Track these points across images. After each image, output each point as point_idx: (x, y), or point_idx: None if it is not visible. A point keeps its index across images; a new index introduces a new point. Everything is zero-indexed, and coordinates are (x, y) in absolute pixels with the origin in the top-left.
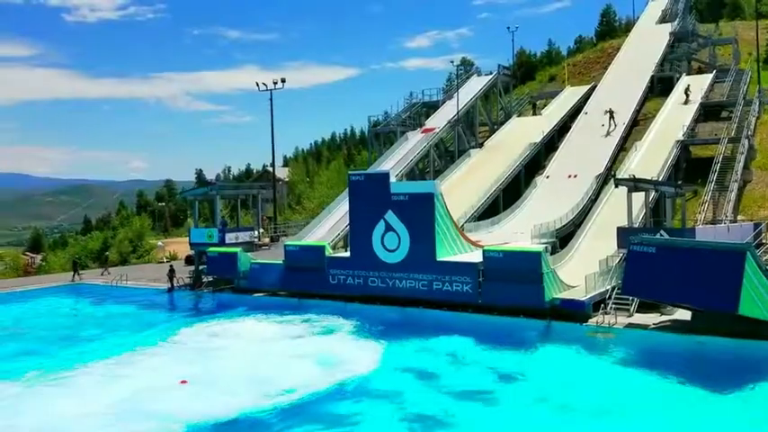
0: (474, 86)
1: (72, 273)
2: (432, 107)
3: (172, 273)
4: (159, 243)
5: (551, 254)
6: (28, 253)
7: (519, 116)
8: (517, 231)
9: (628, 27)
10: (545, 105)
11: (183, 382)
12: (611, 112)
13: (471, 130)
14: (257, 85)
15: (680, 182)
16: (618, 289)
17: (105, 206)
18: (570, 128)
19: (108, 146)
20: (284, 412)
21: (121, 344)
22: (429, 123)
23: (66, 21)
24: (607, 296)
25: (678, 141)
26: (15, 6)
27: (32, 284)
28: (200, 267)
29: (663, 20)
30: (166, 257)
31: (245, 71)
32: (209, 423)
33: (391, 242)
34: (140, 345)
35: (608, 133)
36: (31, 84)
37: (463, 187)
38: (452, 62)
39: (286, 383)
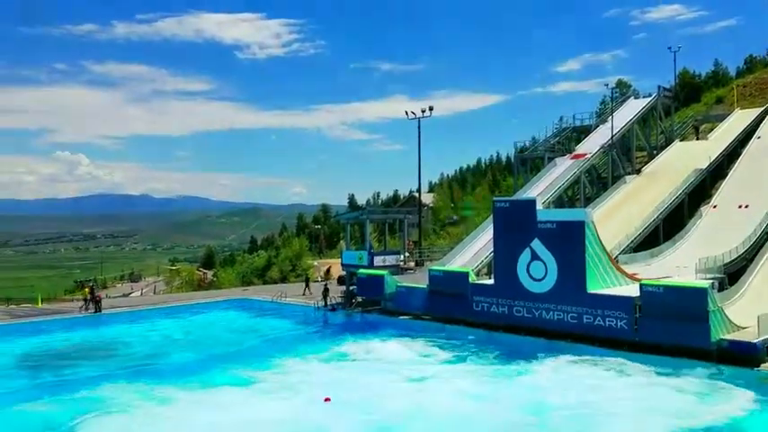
0: (630, 109)
1: (304, 287)
2: (583, 132)
3: (326, 292)
4: (316, 263)
5: (719, 290)
6: (201, 269)
7: (681, 140)
8: (680, 265)
9: None
10: (711, 129)
11: (327, 399)
12: None
13: (627, 155)
14: (406, 113)
15: None
16: None
17: (270, 227)
18: (741, 153)
19: (274, 172)
20: None
21: (276, 358)
22: (580, 149)
23: (239, 58)
24: None
25: None
26: (197, 45)
27: (206, 298)
28: (351, 288)
29: None
30: (322, 277)
31: (396, 101)
32: None
33: (537, 271)
34: (293, 359)
35: None
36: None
37: (618, 216)
38: (606, 85)
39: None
